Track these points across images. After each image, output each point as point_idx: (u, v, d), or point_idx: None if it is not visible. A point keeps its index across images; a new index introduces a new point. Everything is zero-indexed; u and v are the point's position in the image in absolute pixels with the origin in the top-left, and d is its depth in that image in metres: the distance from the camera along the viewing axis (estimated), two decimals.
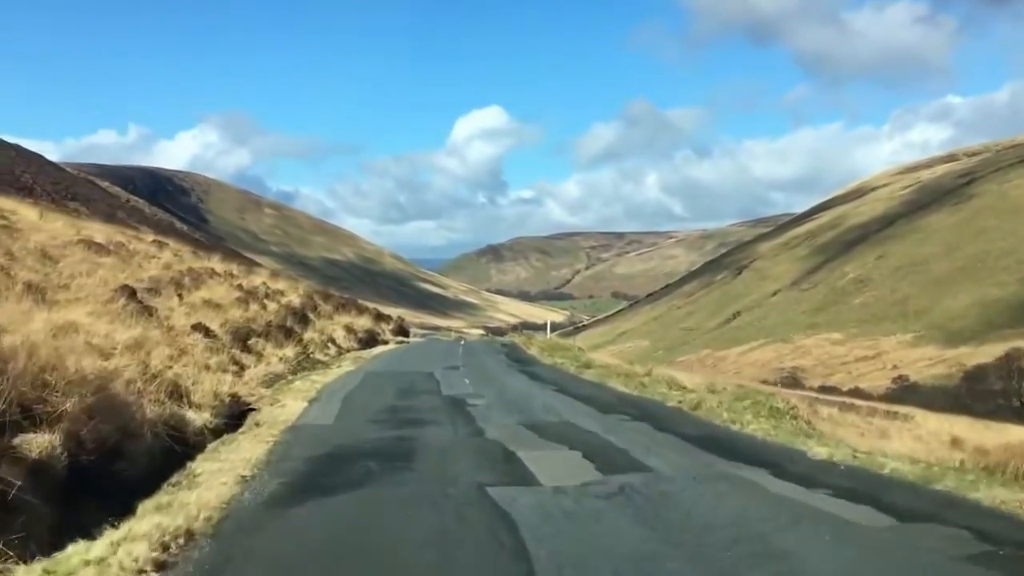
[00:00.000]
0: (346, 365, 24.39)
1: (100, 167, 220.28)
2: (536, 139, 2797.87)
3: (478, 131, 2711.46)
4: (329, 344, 28.32)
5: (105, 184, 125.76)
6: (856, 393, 66.17)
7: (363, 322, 38.60)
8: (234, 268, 34.39)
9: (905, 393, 69.99)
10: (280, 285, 34.86)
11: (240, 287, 26.38)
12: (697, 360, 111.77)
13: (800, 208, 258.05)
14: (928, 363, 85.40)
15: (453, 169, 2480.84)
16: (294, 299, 31.49)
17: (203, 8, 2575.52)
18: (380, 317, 50.75)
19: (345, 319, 35.28)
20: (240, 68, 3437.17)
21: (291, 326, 24.99)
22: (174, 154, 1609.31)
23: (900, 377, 76.16)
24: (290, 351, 21.60)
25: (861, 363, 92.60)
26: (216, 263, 33.08)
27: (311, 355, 24.14)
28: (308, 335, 26.09)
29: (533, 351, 36.47)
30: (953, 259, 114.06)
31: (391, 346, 37.82)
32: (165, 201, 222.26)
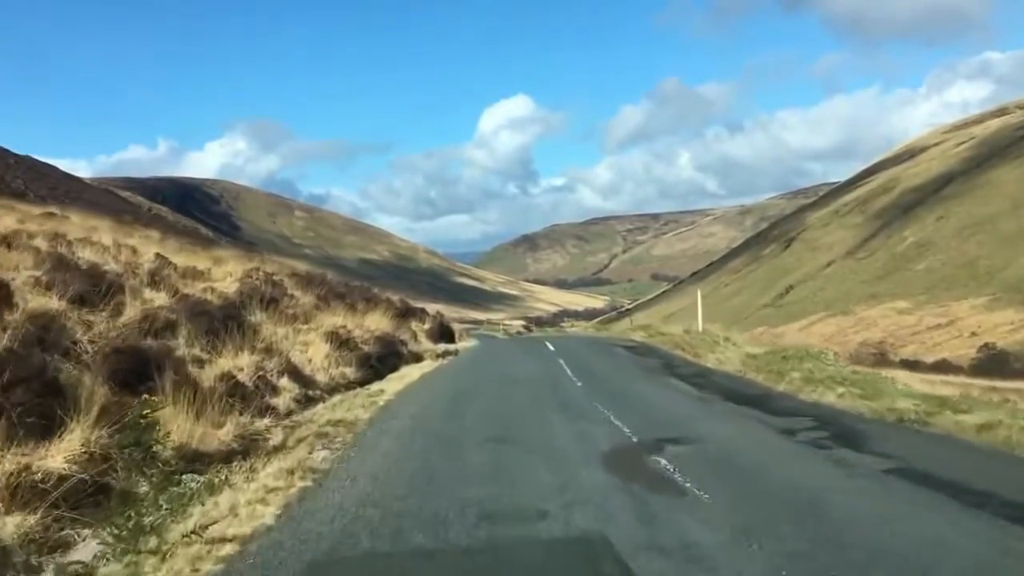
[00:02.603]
0: (262, 483, 7.66)
1: (128, 180, 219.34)
2: (565, 126, 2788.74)
3: (506, 121, 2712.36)
4: (276, 386, 12.76)
5: (127, 194, 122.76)
6: (943, 366, 59.75)
7: (373, 323, 22.39)
8: (136, 242, 21.90)
9: (994, 363, 63.26)
10: (228, 267, 21.94)
11: (60, 260, 13.05)
12: (752, 339, 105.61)
13: (838, 177, 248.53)
14: (1011, 328, 78.29)
15: (483, 161, 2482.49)
16: (225, 288, 18.00)
17: (222, 20, 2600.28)
18: (408, 313, 32.60)
19: (333, 319, 19.61)
20: (264, 77, 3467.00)
21: (153, 354, 10.14)
22: (204, 164, 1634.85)
23: (985, 345, 69.27)
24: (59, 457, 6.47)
25: (935, 332, 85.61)
26: (114, 234, 21.17)
27: (153, 447, 7.61)
28: (212, 370, 11.32)
29: (727, 363, 19.43)
30: (1020, 216, 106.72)
31: (426, 365, 21.91)
32: (195, 210, 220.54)
